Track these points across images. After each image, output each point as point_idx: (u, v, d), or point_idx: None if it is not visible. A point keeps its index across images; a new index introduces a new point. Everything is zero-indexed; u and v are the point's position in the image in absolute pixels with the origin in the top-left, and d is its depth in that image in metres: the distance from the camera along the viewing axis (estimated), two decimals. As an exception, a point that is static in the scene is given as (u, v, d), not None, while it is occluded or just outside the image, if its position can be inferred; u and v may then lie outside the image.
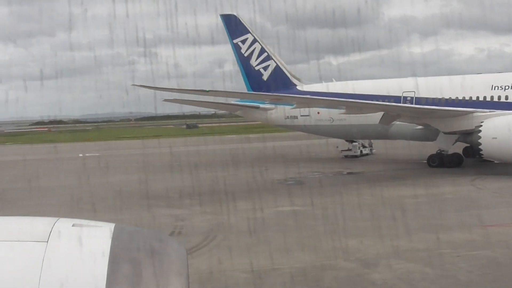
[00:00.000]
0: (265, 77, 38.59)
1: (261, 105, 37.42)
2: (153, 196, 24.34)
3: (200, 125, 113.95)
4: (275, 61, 38.72)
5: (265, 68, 38.74)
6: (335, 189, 24.44)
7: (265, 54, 38.79)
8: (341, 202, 21.09)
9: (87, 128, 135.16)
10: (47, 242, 2.85)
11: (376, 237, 15.51)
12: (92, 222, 3.23)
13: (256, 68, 38.94)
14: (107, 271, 2.71)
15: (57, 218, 3.17)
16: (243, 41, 38.98)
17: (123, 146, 59.49)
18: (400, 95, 32.60)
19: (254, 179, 28.78)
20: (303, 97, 31.45)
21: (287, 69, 38.83)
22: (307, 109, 34.85)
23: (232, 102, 38.13)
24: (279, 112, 37.03)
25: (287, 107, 34.51)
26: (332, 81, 37.41)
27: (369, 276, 12.32)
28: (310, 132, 38.58)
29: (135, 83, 23.90)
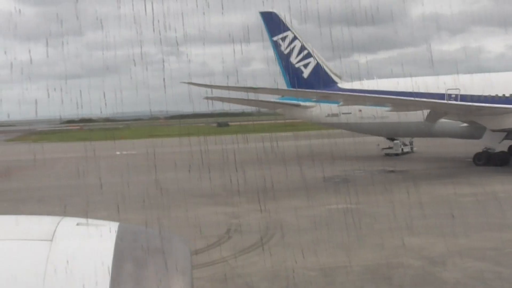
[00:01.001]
0: (305, 75, 38.48)
1: (302, 103, 37.31)
2: (200, 194, 24.43)
3: (231, 124, 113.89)
4: (315, 59, 38.59)
5: (305, 66, 38.63)
6: (383, 187, 24.24)
7: (306, 51, 38.69)
8: (393, 200, 20.90)
9: (119, 126, 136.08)
10: (52, 241, 2.85)
11: (437, 235, 15.33)
12: (96, 221, 3.22)
13: (296, 65, 38.85)
14: (111, 270, 2.71)
15: (62, 217, 3.18)
16: (283, 39, 38.92)
17: (158, 144, 59.66)
18: (444, 92, 32.24)
19: (299, 176, 28.67)
20: (351, 95, 31.30)
21: (328, 66, 38.68)
22: (348, 106, 34.64)
23: (273, 100, 38.11)
24: (320, 110, 36.90)
25: (328, 105, 34.38)
26: (373, 78, 37.16)
27: (440, 275, 12.18)
28: (352, 130, 38.36)
29: (184, 81, 23.91)
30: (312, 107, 37.46)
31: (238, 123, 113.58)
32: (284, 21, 38.94)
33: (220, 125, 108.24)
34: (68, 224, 3.09)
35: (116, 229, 3.05)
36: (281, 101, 38.19)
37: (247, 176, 28.81)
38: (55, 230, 2.94)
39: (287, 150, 43.28)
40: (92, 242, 2.92)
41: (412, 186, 24.71)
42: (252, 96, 35.99)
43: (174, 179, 30.06)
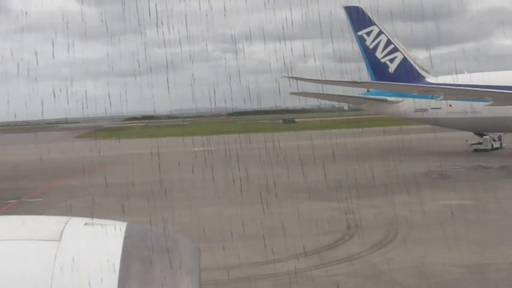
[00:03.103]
0: (391, 70, 38.04)
1: (389, 98, 36.89)
2: (300, 189, 24.42)
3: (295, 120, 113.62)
4: (402, 53, 38.09)
5: (391, 60, 38.18)
6: (489, 183, 23.75)
7: (392, 46, 38.24)
8: (508, 197, 20.45)
9: (182, 123, 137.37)
10: (60, 241, 2.83)
11: None
12: (104, 221, 3.18)
13: (382, 60, 38.43)
14: (119, 269, 2.68)
15: (69, 217, 3.17)
16: (368, 33, 38.56)
17: (229, 140, 59.87)
18: None
19: (394, 172, 28.30)
20: (453, 88, 30.75)
21: (415, 61, 38.13)
22: (438, 101, 34.05)
23: (359, 95, 37.83)
24: (407, 105, 36.42)
25: (417, 100, 33.88)
26: (463, 73, 36.39)
27: None
28: (441, 125, 37.69)
29: (285, 75, 23.84)
30: (399, 102, 37.01)
31: (304, 119, 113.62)
32: (369, 15, 38.58)
33: (285, 121, 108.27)
34: (76, 224, 3.10)
35: (124, 229, 3.04)
36: (367, 96, 37.85)
37: (338, 172, 28.60)
38: (63, 230, 2.94)
39: (369, 145, 42.88)
40: (99, 242, 2.91)
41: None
42: (338, 91, 35.83)
43: (265, 174, 30.01)
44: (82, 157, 34.26)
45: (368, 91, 38.92)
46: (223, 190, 24.45)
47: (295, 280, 12.27)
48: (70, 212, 20.93)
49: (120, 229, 3.03)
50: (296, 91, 36.50)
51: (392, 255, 13.95)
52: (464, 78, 33.66)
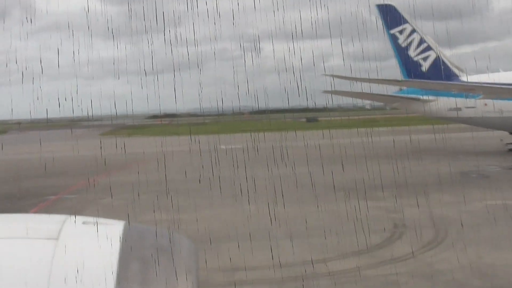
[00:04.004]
0: (424, 68, 37.65)
1: (422, 97, 36.52)
2: (339, 188, 24.14)
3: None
4: (435, 52, 37.69)
5: (424, 59, 37.79)
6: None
7: (425, 44, 37.85)
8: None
9: (204, 121, 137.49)
10: (57, 239, 2.80)
11: None
12: (102, 220, 3.16)
13: (415, 59, 38.06)
14: (117, 269, 2.67)
15: (67, 216, 3.14)
16: (401, 32, 38.21)
17: (256, 138, 59.72)
18: None
19: (431, 171, 28.02)
20: (494, 87, 30.34)
21: (448, 59, 37.71)
22: (472, 100, 33.66)
23: (392, 94, 37.52)
24: (441, 103, 36.02)
25: (451, 99, 33.49)
26: (498, 71, 35.91)
27: None
28: (475, 125, 37.23)
29: (326, 73, 23.71)
30: (432, 101, 36.60)
31: (327, 118, 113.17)
32: (402, 13, 38.24)
33: (309, 120, 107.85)
34: (74, 223, 3.07)
35: (122, 228, 3.02)
36: (400, 95, 37.51)
37: (373, 171, 28.28)
38: (60, 229, 2.92)
39: (399, 144, 42.46)
40: (97, 241, 2.87)
41: None
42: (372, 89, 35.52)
43: (299, 173, 29.90)
44: (110, 154, 34.29)
45: (400, 89, 38.59)
46: (260, 189, 24.27)
47: (353, 280, 12.07)
48: (110, 209, 20.94)
49: (118, 228, 3.02)
50: (329, 89, 36.36)
51: (447, 255, 13.66)
52: (501, 77, 33.20)
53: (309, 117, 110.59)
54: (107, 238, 2.88)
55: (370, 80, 29.36)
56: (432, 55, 37.74)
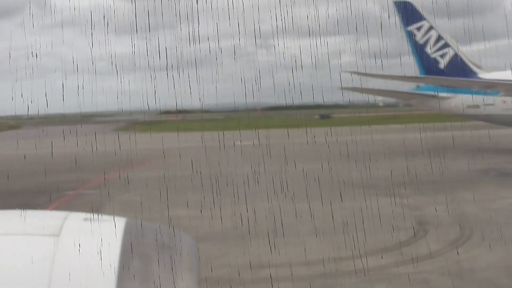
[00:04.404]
0: (442, 65, 37.40)
1: (440, 94, 36.31)
2: (359, 185, 24.03)
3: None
4: (453, 49, 37.45)
5: (442, 56, 37.56)
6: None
7: (442, 41, 37.62)
8: None
9: (218, 117, 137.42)
10: (59, 236, 2.81)
11: None
12: (104, 217, 3.15)
13: (432, 56, 37.83)
14: (118, 265, 2.67)
15: (69, 212, 3.15)
16: (418, 28, 37.98)
17: (271, 135, 59.65)
18: None
19: (450, 169, 27.81)
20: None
21: (467, 57, 37.45)
22: (491, 97, 33.43)
23: (410, 91, 37.33)
24: (459, 101, 35.77)
25: (469, 96, 33.28)
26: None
27: None
28: (494, 122, 36.93)
29: (346, 70, 23.52)
30: (450, 98, 36.39)
31: (340, 115, 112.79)
32: (419, 10, 38.03)
33: (322, 117, 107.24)
34: (75, 219, 3.08)
35: (123, 224, 3.02)
36: (418, 92, 37.32)
37: (391, 168, 28.11)
38: (62, 225, 2.91)
39: (416, 142, 42.22)
40: (99, 238, 2.84)
41: None
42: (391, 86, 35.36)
43: (317, 169, 29.70)
44: (127, 149, 34.15)
45: (417, 87, 38.39)
46: (279, 186, 24.20)
47: (384, 277, 11.99)
48: (131, 205, 20.94)
49: (119, 225, 3.02)
50: (343, 86, 36.16)
51: (477, 252, 13.55)
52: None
53: (322, 114, 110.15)
54: (109, 235, 2.88)
55: (390, 77, 29.24)
56: (450, 52, 37.49)
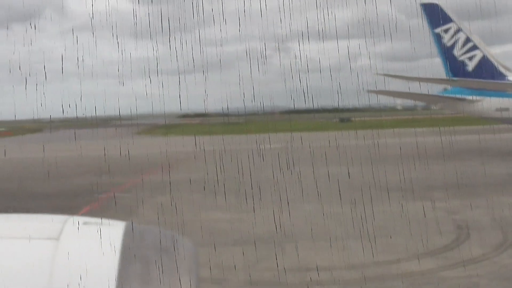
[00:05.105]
0: (470, 68, 37.16)
1: (467, 97, 36.07)
2: (392, 188, 23.89)
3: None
4: (482, 51, 37.18)
5: (470, 59, 37.31)
6: None
7: (471, 43, 37.37)
8: None
9: (237, 121, 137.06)
10: (58, 240, 2.79)
11: None
12: (103, 220, 3.14)
13: (460, 58, 37.60)
14: (118, 269, 2.66)
15: (68, 216, 3.13)
16: (446, 31, 37.78)
17: (293, 138, 59.38)
18: None
19: (481, 172, 27.58)
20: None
21: (495, 59, 37.16)
22: (519, 100, 33.18)
23: (438, 94, 37.14)
24: (487, 103, 35.53)
25: (498, 99, 33.04)
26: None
27: None
28: (523, 125, 36.69)
29: (379, 72, 23.55)
30: (478, 101, 36.13)
31: (360, 118, 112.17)
32: (447, 12, 37.81)
33: (342, 120, 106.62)
34: (75, 223, 3.05)
35: (123, 228, 3.02)
36: (444, 95, 37.11)
37: (422, 171, 27.95)
38: (61, 229, 2.90)
39: (442, 145, 41.93)
40: (98, 242, 2.83)
41: None
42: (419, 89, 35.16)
43: (346, 173, 29.53)
44: (153, 153, 34.43)
45: (444, 90, 38.20)
46: (311, 189, 24.11)
47: (432, 281, 11.93)
48: (166, 208, 21.02)
49: (119, 229, 3.02)
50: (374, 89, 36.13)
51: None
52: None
53: (342, 117, 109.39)
54: (108, 239, 2.87)
55: (421, 79, 29.12)
56: (478, 55, 37.23)
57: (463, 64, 37.59)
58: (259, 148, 46.55)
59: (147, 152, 39.59)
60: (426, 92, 38.52)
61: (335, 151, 39.41)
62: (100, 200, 23.62)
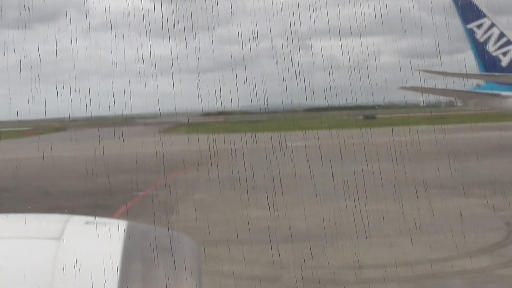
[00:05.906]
0: (504, 63, 36.67)
1: (502, 93, 35.59)
2: (432, 185, 23.59)
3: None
4: (516, 46, 36.72)
5: (504, 54, 36.82)
6: None
7: (505, 39, 36.88)
8: None
9: (261, 118, 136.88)
10: (60, 239, 2.80)
11: None
12: (105, 220, 3.15)
13: (494, 53, 37.11)
14: (120, 268, 2.64)
15: (70, 216, 3.14)
16: (479, 26, 37.31)
17: (320, 136, 59.06)
18: None
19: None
20: None
21: (530, 54, 36.68)
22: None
23: (471, 90, 36.73)
24: (523, 99, 35.06)
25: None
26: None
27: None
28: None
29: (421, 69, 23.30)
30: (513, 97, 35.67)
31: (384, 115, 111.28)
32: (480, 8, 37.34)
33: (366, 117, 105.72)
34: (77, 223, 3.08)
35: (125, 227, 3.01)
36: (478, 91, 36.68)
37: (458, 168, 27.61)
38: (63, 229, 2.91)
39: (471, 142, 41.41)
40: (100, 241, 2.87)
41: None
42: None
43: (382, 170, 29.04)
44: (181, 150, 34.37)
45: (477, 86, 37.76)
46: (349, 186, 23.91)
47: (491, 279, 11.71)
48: (206, 205, 21.00)
49: (121, 228, 3.01)
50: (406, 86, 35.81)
51: None
52: None
53: (366, 114, 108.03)
54: (110, 238, 2.88)
55: (464, 75, 28.78)
56: (512, 50, 36.79)
57: (496, 59, 37.12)
58: (291, 146, 46.34)
59: (176, 150, 39.70)
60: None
61: (368, 148, 38.93)
62: (137, 199, 23.69)
